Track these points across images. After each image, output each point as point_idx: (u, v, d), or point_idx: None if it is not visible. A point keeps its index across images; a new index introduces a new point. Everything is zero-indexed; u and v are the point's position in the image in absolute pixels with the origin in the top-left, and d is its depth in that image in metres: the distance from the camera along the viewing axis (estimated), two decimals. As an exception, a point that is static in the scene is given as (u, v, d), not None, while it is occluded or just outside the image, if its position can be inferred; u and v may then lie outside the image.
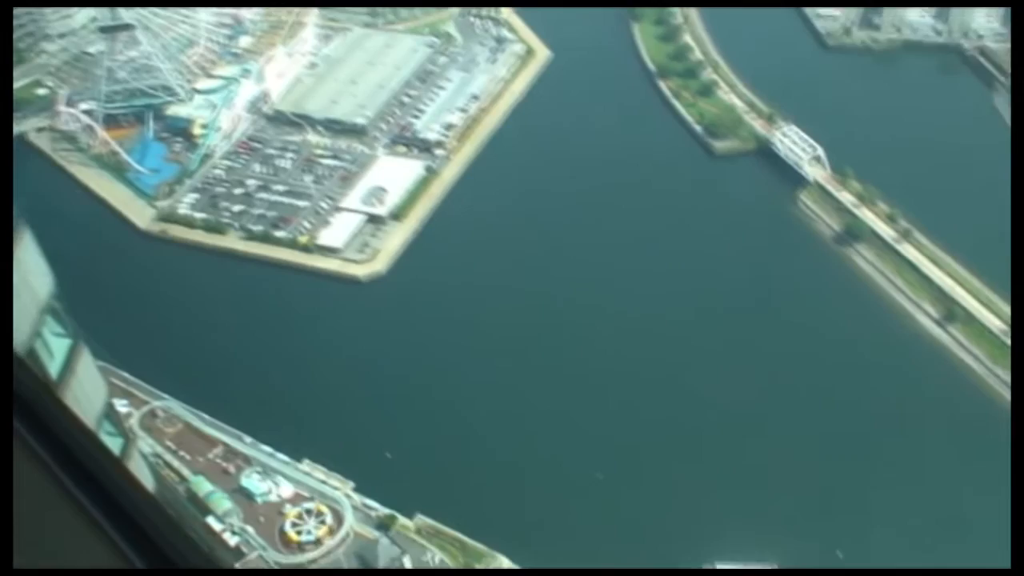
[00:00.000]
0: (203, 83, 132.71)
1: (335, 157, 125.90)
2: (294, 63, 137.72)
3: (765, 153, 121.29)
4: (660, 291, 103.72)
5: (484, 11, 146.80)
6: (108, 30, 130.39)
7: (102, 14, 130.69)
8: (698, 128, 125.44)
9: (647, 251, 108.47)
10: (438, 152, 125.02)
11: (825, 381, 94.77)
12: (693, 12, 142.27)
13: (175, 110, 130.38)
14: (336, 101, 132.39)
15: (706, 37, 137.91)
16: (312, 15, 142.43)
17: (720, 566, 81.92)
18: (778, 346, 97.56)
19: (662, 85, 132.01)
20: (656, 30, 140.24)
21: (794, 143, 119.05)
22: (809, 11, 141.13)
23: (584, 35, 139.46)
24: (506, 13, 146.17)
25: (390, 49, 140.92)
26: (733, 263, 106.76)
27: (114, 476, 6.41)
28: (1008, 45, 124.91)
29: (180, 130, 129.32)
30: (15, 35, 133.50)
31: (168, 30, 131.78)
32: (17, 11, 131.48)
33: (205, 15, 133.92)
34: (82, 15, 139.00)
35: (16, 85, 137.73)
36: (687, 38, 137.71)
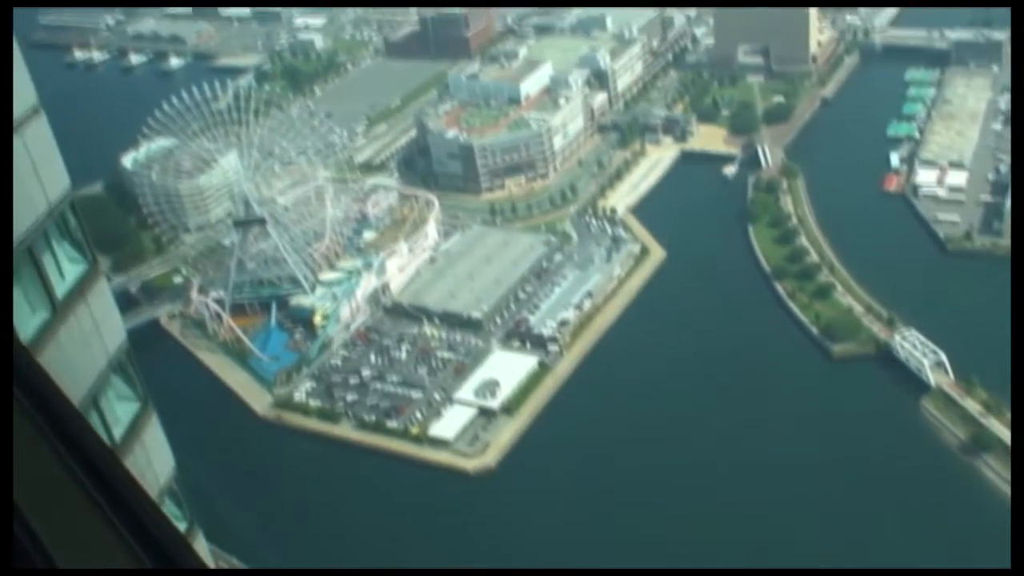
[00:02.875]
0: (327, 275, 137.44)
1: (450, 349, 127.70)
2: (415, 257, 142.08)
3: (885, 357, 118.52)
4: (778, 495, 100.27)
5: (600, 211, 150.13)
6: (242, 224, 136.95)
7: (238, 208, 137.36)
8: (815, 330, 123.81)
9: (765, 454, 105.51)
10: (552, 348, 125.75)
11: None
12: (809, 215, 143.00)
13: (299, 300, 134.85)
14: (454, 295, 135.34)
15: (822, 239, 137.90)
16: (434, 212, 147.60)
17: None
18: (907, 559, 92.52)
19: (778, 287, 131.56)
20: (772, 232, 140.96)
21: (915, 348, 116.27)
22: (929, 215, 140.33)
23: (699, 236, 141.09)
24: (622, 213, 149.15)
25: (508, 246, 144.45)
26: (856, 468, 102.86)
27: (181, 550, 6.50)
28: None
29: (302, 319, 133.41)
30: (160, 228, 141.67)
31: (298, 224, 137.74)
32: (160, 203, 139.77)
33: (333, 210, 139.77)
34: (220, 209, 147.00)
35: (155, 273, 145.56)
36: (803, 240, 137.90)
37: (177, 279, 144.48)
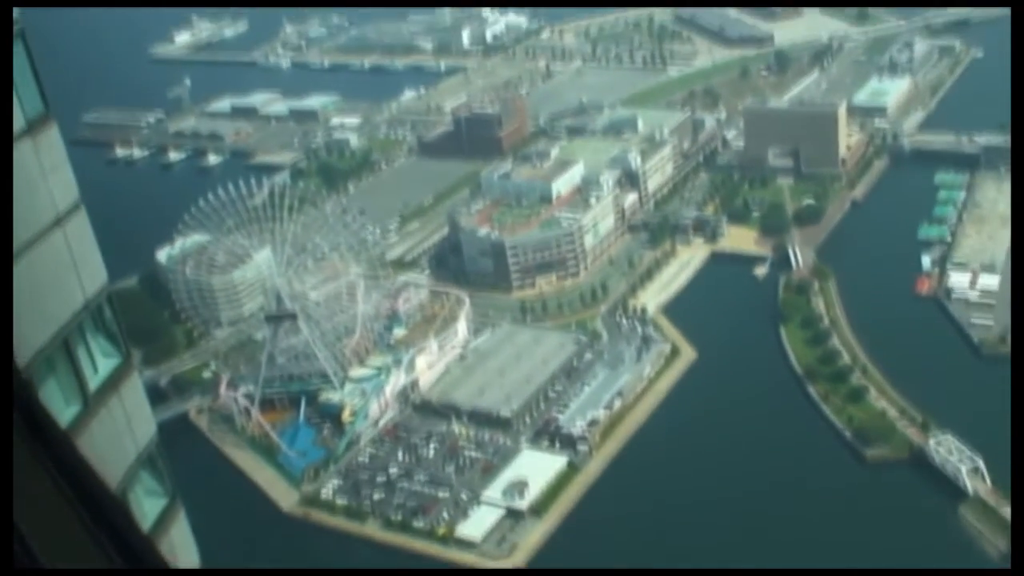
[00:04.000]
0: (356, 371, 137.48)
1: (478, 448, 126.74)
2: (444, 354, 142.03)
3: (920, 462, 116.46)
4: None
5: (630, 310, 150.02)
6: (273, 319, 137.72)
7: (270, 303, 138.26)
8: (848, 433, 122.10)
9: (797, 560, 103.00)
10: (581, 448, 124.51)
11: None
12: (841, 317, 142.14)
13: (328, 396, 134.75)
14: (483, 392, 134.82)
15: (854, 341, 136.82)
16: (464, 309, 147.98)
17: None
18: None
19: (810, 389, 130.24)
20: (803, 333, 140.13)
21: (951, 453, 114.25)
22: (962, 318, 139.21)
23: (730, 336, 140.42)
24: (653, 312, 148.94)
25: (538, 344, 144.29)
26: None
27: None
28: None
29: (331, 415, 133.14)
30: (192, 322, 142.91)
31: (329, 319, 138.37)
32: (192, 297, 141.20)
33: (364, 306, 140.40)
34: (252, 303, 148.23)
35: (185, 368, 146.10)
36: (835, 342, 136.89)
37: (207, 373, 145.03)
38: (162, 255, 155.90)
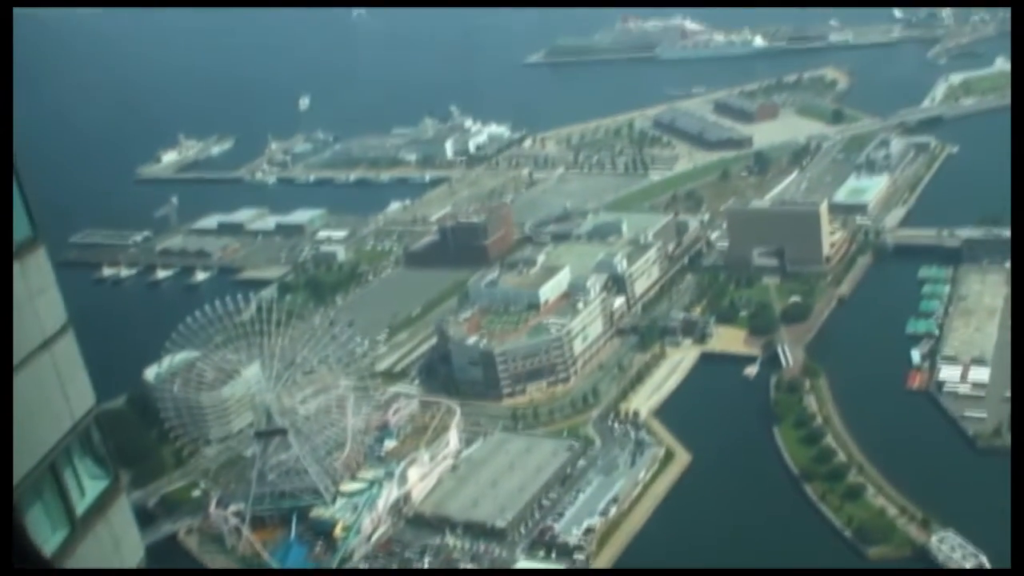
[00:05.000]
0: (348, 485, 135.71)
1: (473, 560, 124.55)
2: (436, 465, 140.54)
3: (923, 560, 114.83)
4: None
5: (623, 414, 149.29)
6: (263, 435, 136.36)
7: (259, 419, 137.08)
8: (848, 533, 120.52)
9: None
10: (578, 556, 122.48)
11: None
12: (834, 415, 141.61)
13: (319, 512, 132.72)
14: (476, 503, 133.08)
15: (849, 439, 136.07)
16: (455, 419, 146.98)
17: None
18: None
19: (808, 489, 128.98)
20: (797, 433, 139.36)
21: (953, 550, 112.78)
22: (955, 412, 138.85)
23: (724, 438, 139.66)
24: (645, 416, 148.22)
25: (530, 452, 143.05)
26: None
27: None
28: None
29: (323, 532, 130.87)
30: (181, 441, 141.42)
31: (319, 433, 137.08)
32: (181, 415, 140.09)
33: (354, 420, 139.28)
34: (241, 420, 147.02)
35: (174, 487, 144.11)
36: (830, 440, 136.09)
37: (195, 492, 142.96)
38: (150, 374, 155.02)
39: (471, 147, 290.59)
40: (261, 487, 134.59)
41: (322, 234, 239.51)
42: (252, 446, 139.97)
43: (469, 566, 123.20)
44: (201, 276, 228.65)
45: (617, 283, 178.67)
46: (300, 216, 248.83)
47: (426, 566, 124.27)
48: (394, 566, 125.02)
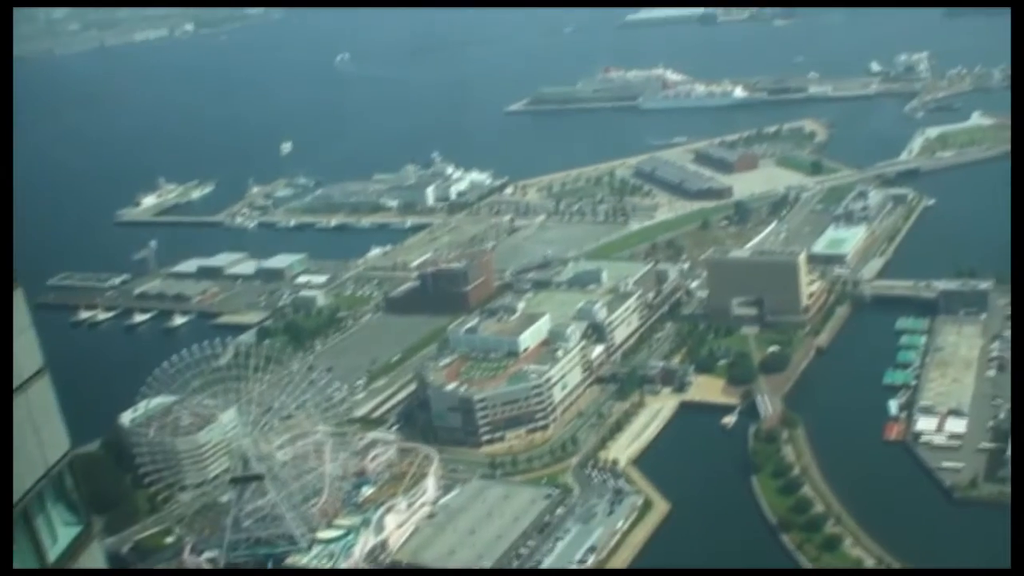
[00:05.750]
0: (324, 532, 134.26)
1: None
2: (414, 513, 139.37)
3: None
4: None
5: (601, 462, 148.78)
6: (239, 480, 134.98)
7: (235, 465, 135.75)
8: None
9: None
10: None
11: None
12: (812, 465, 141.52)
13: (295, 559, 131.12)
14: (454, 551, 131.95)
15: (827, 489, 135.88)
16: (433, 466, 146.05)
17: None
18: None
19: (785, 539, 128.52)
20: (775, 483, 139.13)
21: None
22: (932, 463, 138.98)
23: (702, 487, 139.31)
24: (624, 464, 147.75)
25: (509, 500, 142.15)
26: None
27: None
28: None
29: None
30: (156, 486, 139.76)
31: (296, 479, 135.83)
32: (157, 460, 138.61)
33: (331, 466, 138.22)
34: (217, 465, 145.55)
35: (148, 533, 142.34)
36: (807, 490, 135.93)
37: (169, 539, 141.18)
38: (126, 418, 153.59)
39: (452, 194, 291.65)
40: (236, 534, 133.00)
41: (302, 279, 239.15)
42: (228, 492, 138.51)
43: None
44: (179, 320, 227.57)
45: (597, 331, 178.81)
46: (280, 261, 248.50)
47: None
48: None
